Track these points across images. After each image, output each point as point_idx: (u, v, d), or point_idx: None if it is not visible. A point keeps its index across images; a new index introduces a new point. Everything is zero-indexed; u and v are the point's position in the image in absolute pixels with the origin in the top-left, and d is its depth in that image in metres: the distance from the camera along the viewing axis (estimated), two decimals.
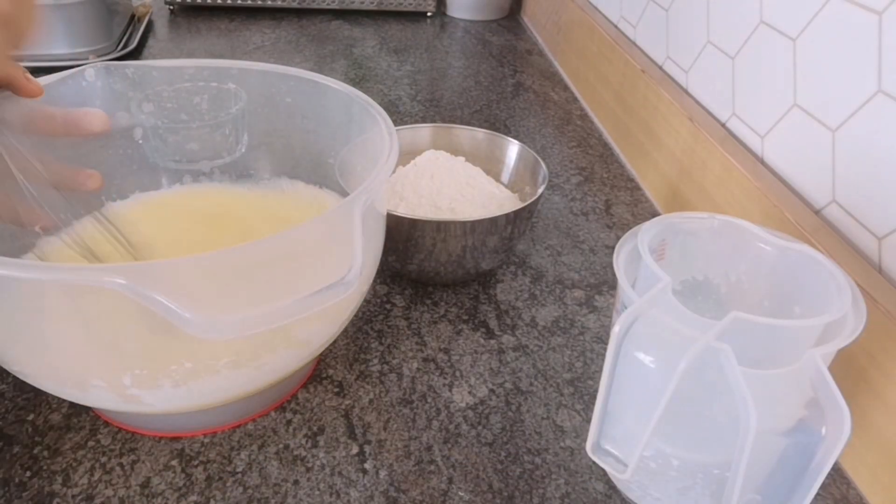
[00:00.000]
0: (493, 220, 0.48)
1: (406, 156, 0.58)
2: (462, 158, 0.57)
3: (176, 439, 0.41)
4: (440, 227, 0.48)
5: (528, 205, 0.50)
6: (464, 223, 0.48)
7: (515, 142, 0.59)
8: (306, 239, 0.35)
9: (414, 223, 0.48)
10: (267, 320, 0.29)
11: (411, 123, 0.63)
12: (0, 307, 0.33)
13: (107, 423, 0.41)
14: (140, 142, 0.50)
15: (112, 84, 0.48)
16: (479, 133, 0.61)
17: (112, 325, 0.34)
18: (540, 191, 0.52)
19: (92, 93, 0.47)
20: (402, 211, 0.51)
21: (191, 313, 0.28)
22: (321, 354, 0.47)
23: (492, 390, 0.45)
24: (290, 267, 0.34)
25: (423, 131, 0.61)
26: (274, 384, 0.40)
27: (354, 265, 0.32)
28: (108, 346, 0.34)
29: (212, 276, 0.32)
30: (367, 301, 0.52)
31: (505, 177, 0.60)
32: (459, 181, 0.54)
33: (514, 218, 0.49)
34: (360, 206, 0.35)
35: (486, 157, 0.60)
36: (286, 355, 0.38)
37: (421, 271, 0.52)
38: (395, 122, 0.78)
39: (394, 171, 0.56)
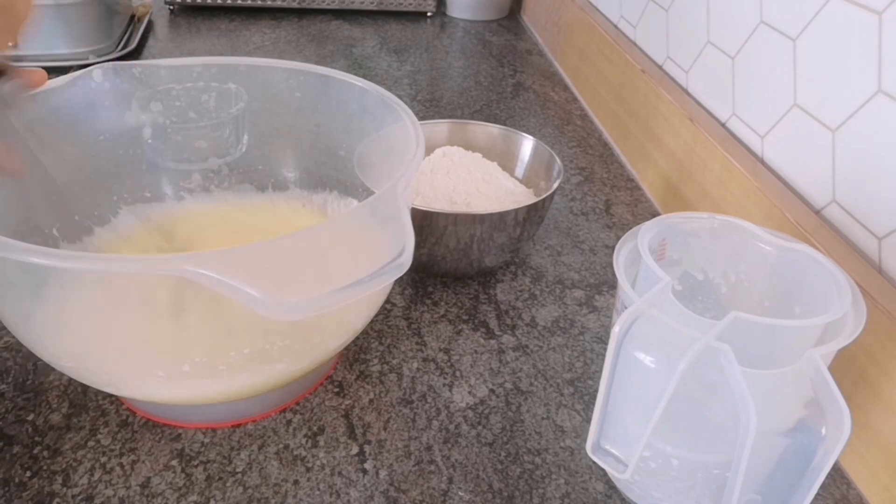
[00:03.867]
0: (501, 215, 0.49)
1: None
2: (479, 155, 0.57)
3: (176, 439, 0.41)
4: (454, 218, 0.48)
5: (540, 201, 0.50)
6: (480, 216, 0.48)
7: (530, 137, 0.60)
8: (356, 222, 0.36)
9: (426, 214, 0.48)
10: (334, 301, 0.31)
11: (422, 120, 0.63)
12: (64, 300, 0.34)
13: (107, 423, 0.41)
14: (150, 141, 0.50)
15: (119, 84, 0.48)
16: (494, 129, 0.61)
17: (177, 310, 0.35)
18: (555, 186, 0.52)
19: (100, 93, 0.47)
20: (419, 204, 0.51)
21: (265, 295, 0.29)
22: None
23: (492, 390, 0.45)
24: (338, 252, 0.36)
25: (439, 127, 0.61)
26: (311, 370, 0.41)
27: (408, 244, 0.33)
28: (173, 334, 0.35)
29: (272, 262, 0.33)
30: None
31: (519, 172, 0.60)
32: (476, 177, 0.54)
33: (528, 211, 0.50)
34: (403, 189, 0.36)
35: (502, 153, 0.60)
36: (334, 338, 0.39)
37: (431, 255, 0.52)
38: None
39: None
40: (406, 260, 0.32)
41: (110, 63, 0.47)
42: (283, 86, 0.50)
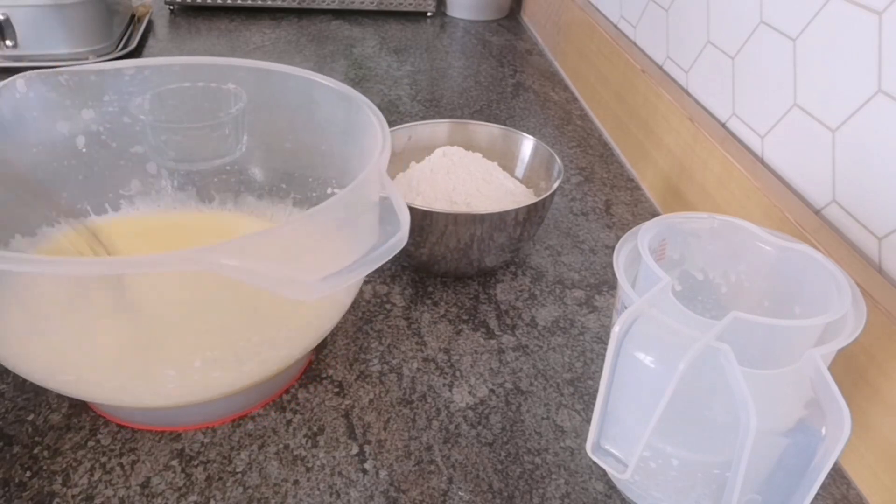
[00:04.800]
0: (501, 215, 0.49)
1: (423, 151, 0.58)
2: (479, 154, 0.58)
3: (176, 439, 0.41)
4: (454, 218, 0.48)
5: (540, 201, 0.50)
6: (480, 215, 0.48)
7: (530, 137, 0.60)
8: (348, 205, 0.36)
9: (426, 214, 0.48)
10: (353, 275, 0.32)
11: (422, 121, 0.63)
12: (64, 309, 0.34)
13: (107, 423, 0.41)
14: (83, 150, 0.48)
15: (46, 93, 0.46)
16: (495, 129, 0.61)
17: (194, 306, 0.35)
18: (555, 186, 0.52)
19: (26, 103, 0.45)
20: (419, 204, 0.51)
21: (288, 277, 0.30)
22: (322, 353, 0.47)
23: (492, 390, 0.45)
24: (336, 235, 0.36)
25: (440, 127, 0.62)
26: (291, 365, 0.41)
27: (403, 220, 0.34)
28: (187, 330, 0.36)
29: (280, 247, 0.34)
30: (367, 301, 0.52)
31: (519, 172, 0.60)
32: (476, 177, 0.54)
33: (528, 211, 0.50)
34: (384, 166, 0.37)
35: (502, 153, 0.61)
36: (329, 316, 0.40)
37: (431, 255, 0.52)
38: (396, 122, 0.78)
39: (408, 168, 0.57)
40: (404, 233, 0.33)
41: (36, 72, 0.45)
42: (268, 89, 0.50)
